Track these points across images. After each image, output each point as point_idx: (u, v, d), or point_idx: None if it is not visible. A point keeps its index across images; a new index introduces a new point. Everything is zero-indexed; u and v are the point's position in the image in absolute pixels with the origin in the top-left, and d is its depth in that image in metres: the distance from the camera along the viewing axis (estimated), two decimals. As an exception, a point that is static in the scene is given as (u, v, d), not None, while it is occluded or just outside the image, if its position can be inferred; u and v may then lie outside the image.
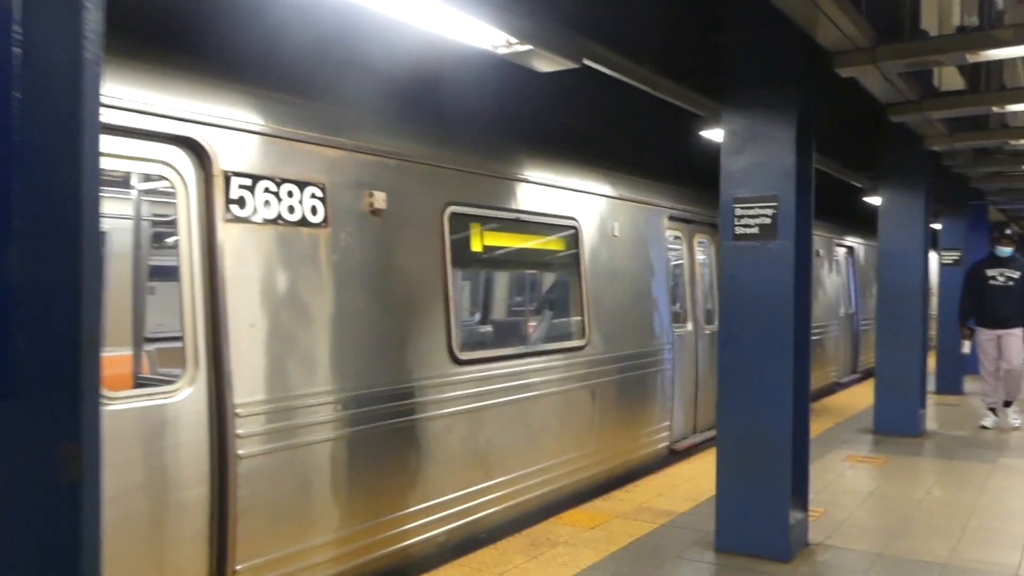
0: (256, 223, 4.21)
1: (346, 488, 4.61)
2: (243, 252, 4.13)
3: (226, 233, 4.06)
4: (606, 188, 7.29)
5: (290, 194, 4.39)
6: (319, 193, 4.55)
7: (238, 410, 4.05)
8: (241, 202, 4.14)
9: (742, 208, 5.28)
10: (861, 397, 12.31)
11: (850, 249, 14.49)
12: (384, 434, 4.87)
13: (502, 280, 8.56)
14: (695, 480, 7.20)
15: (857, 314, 14.61)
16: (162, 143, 3.89)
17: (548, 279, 8.08)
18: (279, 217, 4.32)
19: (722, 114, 5.40)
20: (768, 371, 5.22)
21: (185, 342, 3.98)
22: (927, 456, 8.46)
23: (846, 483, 7.29)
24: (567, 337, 6.84)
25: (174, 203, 4.00)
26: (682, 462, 8.06)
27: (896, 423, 9.17)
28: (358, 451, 4.69)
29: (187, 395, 3.93)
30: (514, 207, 6.10)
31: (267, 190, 4.27)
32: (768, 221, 5.19)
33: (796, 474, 5.25)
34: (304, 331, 4.42)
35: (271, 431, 4.22)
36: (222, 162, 4.07)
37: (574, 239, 6.79)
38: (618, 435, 7.19)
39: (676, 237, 8.57)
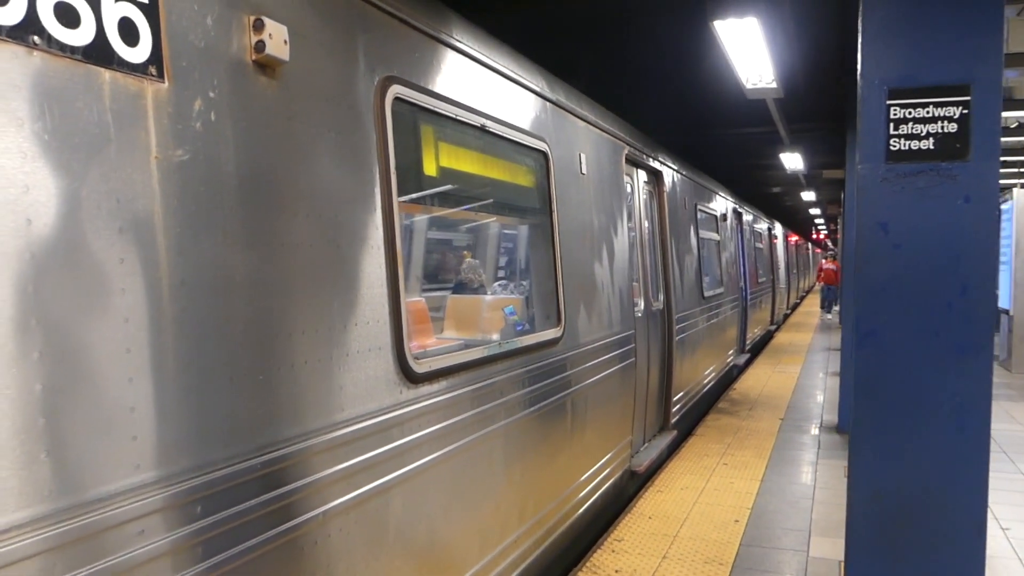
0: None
1: None
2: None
3: None
4: (572, 103, 4.89)
5: (64, -21, 1.67)
6: (141, -5, 1.86)
7: None
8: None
9: (903, 107, 3.09)
10: (773, 382, 10.80)
11: (739, 213, 12.99)
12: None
13: (463, 230, 5.74)
14: (696, 527, 5.05)
15: (747, 286, 13.17)
16: None
17: (513, 231, 5.53)
18: (35, 27, 1.61)
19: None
20: (947, 386, 3.10)
21: None
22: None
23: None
24: (539, 324, 4.41)
25: None
26: (648, 490, 5.90)
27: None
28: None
29: None
30: (480, 108, 3.56)
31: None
32: (953, 128, 3.04)
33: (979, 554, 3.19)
34: (86, 323, 1.73)
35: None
36: None
37: (544, 171, 4.34)
38: (583, 466, 4.87)
39: (628, 182, 6.33)
